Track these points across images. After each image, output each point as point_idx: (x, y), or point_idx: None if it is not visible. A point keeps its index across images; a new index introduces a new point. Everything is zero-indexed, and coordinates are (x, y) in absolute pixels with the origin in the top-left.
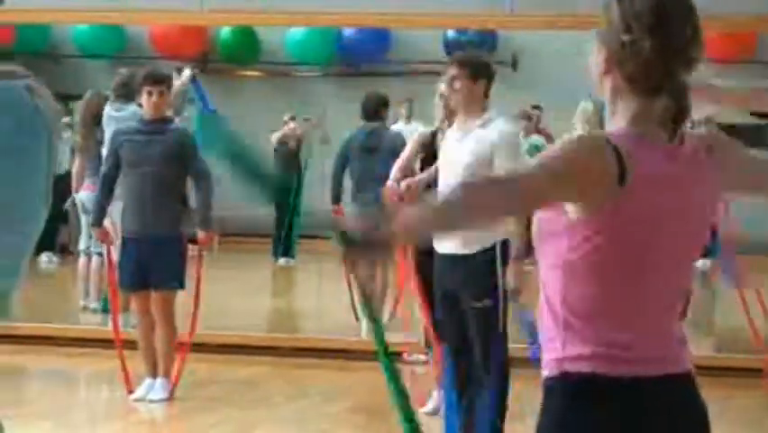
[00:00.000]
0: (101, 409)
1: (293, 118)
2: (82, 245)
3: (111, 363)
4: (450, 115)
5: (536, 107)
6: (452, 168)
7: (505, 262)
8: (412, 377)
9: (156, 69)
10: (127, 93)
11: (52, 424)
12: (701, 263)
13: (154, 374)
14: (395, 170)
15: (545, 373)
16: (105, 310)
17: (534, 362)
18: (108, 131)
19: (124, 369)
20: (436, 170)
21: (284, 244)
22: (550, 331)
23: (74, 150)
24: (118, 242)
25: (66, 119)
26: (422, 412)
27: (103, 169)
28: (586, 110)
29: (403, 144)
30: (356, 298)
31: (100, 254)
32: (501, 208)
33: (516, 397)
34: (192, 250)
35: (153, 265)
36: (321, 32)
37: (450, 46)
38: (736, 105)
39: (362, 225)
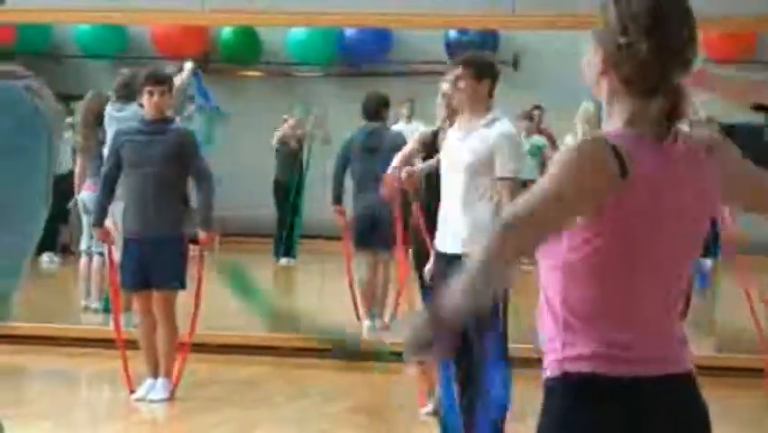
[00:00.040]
0: (102, 409)
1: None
2: (83, 245)
3: (112, 364)
4: (451, 115)
5: (538, 107)
6: (454, 167)
7: None
8: (413, 377)
9: (157, 69)
10: (129, 93)
11: (53, 424)
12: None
13: (155, 374)
14: (396, 161)
15: (546, 373)
16: (106, 310)
17: None
18: (110, 131)
19: (126, 369)
20: (437, 162)
21: (285, 244)
22: (550, 332)
23: (75, 150)
24: (119, 242)
25: (67, 119)
26: (423, 412)
27: (104, 169)
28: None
29: (404, 144)
30: (357, 298)
31: (101, 254)
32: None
33: (517, 397)
34: (193, 250)
35: (154, 265)
36: (322, 32)
37: (451, 46)
38: (734, 98)
39: (419, 336)
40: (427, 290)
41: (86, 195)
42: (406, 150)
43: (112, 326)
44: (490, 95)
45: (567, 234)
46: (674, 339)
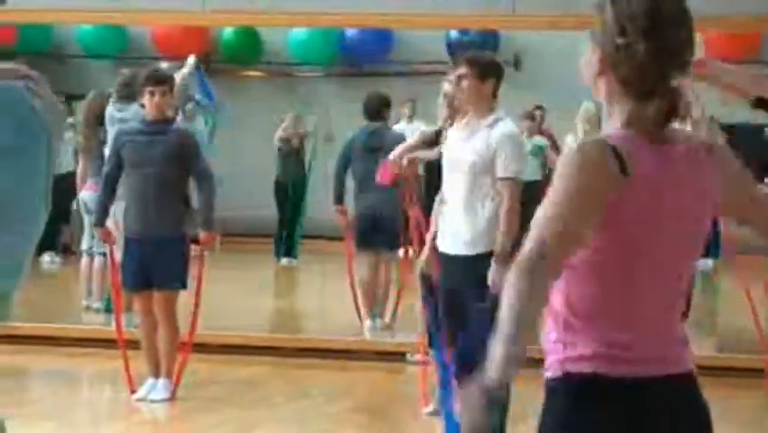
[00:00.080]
0: (103, 409)
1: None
2: (85, 245)
3: (113, 363)
4: (453, 115)
5: (539, 107)
6: (456, 167)
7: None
8: (414, 377)
9: (158, 69)
10: (130, 93)
11: (55, 424)
12: (703, 263)
13: (157, 374)
14: (398, 150)
15: (547, 373)
16: (107, 310)
17: None
18: (111, 131)
19: (127, 369)
20: (439, 153)
21: (286, 244)
22: (551, 332)
23: (77, 150)
24: (121, 242)
25: (68, 119)
26: (424, 413)
27: (105, 169)
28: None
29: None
30: (359, 298)
31: (103, 254)
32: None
33: (518, 397)
34: (194, 250)
35: (156, 265)
36: (323, 32)
37: (452, 46)
38: (736, 91)
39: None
40: (426, 291)
41: (87, 195)
42: (408, 143)
43: (113, 326)
44: (494, 95)
45: None
46: (675, 339)
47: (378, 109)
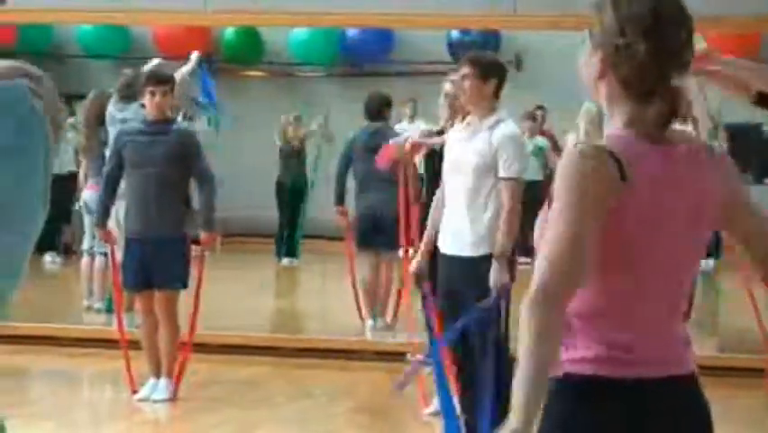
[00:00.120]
0: (104, 409)
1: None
2: (85, 245)
3: (114, 364)
4: (454, 115)
5: (541, 108)
6: (458, 168)
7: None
8: (416, 378)
9: (159, 69)
10: (131, 93)
11: (55, 424)
12: (704, 263)
13: (158, 374)
14: (400, 138)
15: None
16: (108, 310)
17: None
18: (112, 131)
19: (128, 369)
20: (442, 142)
21: (287, 244)
22: None
23: (77, 150)
24: (122, 242)
25: (69, 120)
26: (426, 413)
27: (106, 169)
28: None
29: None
30: (360, 298)
31: (104, 254)
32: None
33: None
34: (194, 251)
35: (156, 266)
36: (324, 32)
37: (453, 46)
38: (736, 90)
39: None
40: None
41: (88, 195)
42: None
43: (114, 326)
44: (496, 95)
45: None
46: (677, 340)
47: (379, 109)
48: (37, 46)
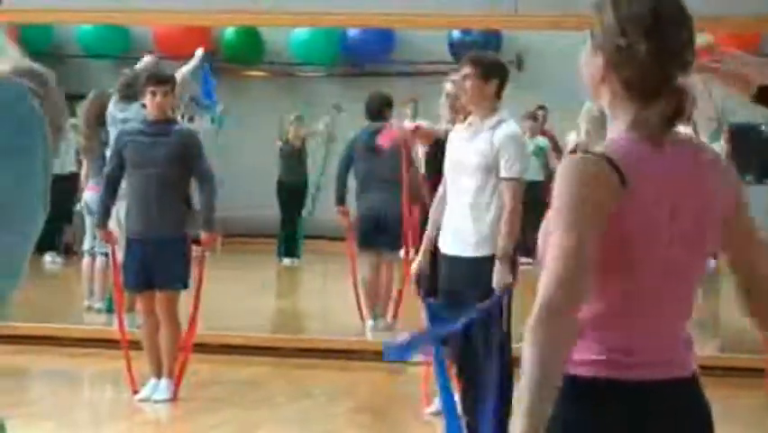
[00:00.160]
0: (105, 409)
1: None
2: (86, 245)
3: (115, 364)
4: (455, 115)
5: (542, 108)
6: (459, 168)
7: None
8: (416, 378)
9: (160, 69)
10: (131, 93)
11: (56, 424)
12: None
13: (159, 375)
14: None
15: None
16: (109, 310)
17: None
18: (112, 131)
19: (129, 369)
20: (445, 132)
21: (288, 244)
22: None
23: (78, 151)
24: (123, 242)
25: (70, 120)
26: (427, 412)
27: (106, 169)
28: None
29: (407, 144)
30: (361, 298)
31: (105, 254)
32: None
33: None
34: (195, 251)
35: (157, 266)
36: (325, 32)
37: (454, 46)
38: (736, 88)
39: None
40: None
41: (89, 195)
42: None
43: (115, 326)
44: (498, 95)
45: None
46: (679, 342)
47: (379, 109)
48: (37, 46)
